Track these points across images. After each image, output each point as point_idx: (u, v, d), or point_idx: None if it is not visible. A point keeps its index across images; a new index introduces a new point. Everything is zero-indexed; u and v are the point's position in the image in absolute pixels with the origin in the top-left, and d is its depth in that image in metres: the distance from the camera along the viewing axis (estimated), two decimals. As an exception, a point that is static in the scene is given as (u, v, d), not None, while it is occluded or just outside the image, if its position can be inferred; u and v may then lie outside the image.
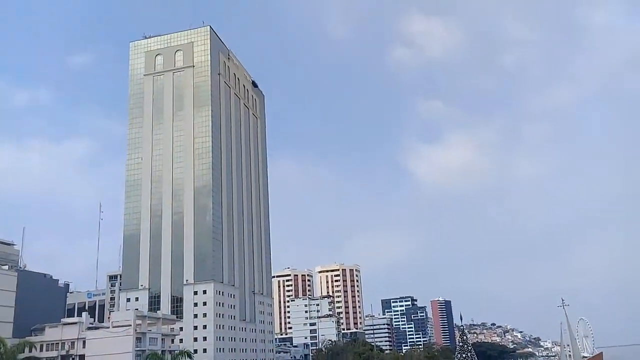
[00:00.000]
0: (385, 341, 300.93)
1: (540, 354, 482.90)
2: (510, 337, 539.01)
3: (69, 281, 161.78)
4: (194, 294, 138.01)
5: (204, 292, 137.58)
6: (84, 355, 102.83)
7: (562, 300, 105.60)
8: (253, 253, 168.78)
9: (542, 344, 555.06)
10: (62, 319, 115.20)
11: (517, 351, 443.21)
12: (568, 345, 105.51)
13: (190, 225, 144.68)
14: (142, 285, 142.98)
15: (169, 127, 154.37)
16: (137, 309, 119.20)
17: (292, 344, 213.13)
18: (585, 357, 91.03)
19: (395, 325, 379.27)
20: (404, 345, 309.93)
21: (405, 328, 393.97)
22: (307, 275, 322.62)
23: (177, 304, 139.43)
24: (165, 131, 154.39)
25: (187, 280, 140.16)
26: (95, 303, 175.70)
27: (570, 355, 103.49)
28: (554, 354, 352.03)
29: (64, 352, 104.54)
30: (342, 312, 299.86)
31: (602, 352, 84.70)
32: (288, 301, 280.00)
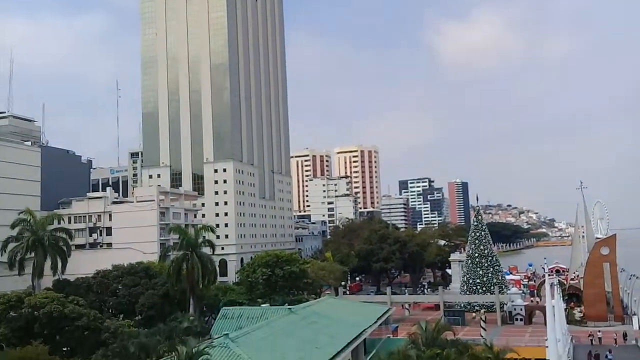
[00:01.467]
0: (401, 220, 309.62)
1: (554, 235, 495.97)
2: (525, 218, 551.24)
3: (91, 157, 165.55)
4: (214, 172, 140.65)
5: (224, 170, 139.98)
6: (110, 227, 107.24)
7: (581, 182, 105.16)
8: (272, 133, 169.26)
9: (556, 225, 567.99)
10: (87, 194, 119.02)
11: (531, 231, 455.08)
12: (582, 226, 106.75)
13: (208, 104, 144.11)
14: (163, 163, 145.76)
15: (182, 1, 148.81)
16: (159, 185, 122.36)
17: (310, 221, 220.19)
18: (599, 238, 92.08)
19: (412, 205, 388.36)
20: (419, 224, 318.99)
21: (421, 208, 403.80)
22: (326, 156, 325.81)
23: (198, 181, 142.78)
24: (178, 5, 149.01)
25: (207, 159, 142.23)
26: (119, 179, 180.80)
27: (583, 236, 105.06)
28: (567, 235, 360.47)
29: (91, 225, 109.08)
30: (359, 192, 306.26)
31: (615, 234, 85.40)
32: (306, 181, 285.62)
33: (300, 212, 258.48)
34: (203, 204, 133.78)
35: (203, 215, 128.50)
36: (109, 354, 39.05)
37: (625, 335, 60.85)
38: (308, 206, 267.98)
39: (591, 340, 58.27)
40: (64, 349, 49.99)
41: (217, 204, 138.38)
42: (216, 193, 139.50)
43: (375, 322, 52.76)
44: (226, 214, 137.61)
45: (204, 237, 70.24)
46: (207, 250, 70.83)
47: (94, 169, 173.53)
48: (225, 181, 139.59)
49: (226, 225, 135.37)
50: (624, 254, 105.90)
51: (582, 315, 77.40)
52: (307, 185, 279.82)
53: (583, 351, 54.71)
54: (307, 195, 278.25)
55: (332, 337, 41.22)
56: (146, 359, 37.56)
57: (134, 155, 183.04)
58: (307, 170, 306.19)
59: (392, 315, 69.13)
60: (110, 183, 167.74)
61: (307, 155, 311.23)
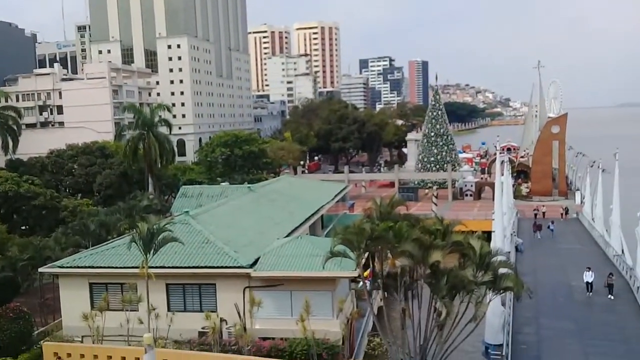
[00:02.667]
0: (361, 100, 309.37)
1: (508, 114, 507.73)
2: (481, 98, 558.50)
3: (35, 31, 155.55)
4: (168, 48, 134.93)
5: (178, 46, 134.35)
6: (61, 106, 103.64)
7: (539, 62, 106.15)
8: (228, 7, 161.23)
9: (511, 104, 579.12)
10: (34, 70, 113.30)
11: (487, 111, 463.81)
12: (536, 105, 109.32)
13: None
14: (113, 37, 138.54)
15: None
16: (110, 62, 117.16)
17: (269, 100, 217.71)
18: (551, 116, 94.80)
19: (371, 85, 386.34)
20: (378, 104, 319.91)
21: (380, 88, 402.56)
22: (285, 32, 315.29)
23: (151, 58, 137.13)
24: None
25: (159, 34, 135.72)
26: (66, 55, 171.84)
27: (536, 115, 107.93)
28: (521, 114, 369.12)
29: (40, 103, 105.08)
30: (319, 72, 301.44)
31: (566, 113, 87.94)
32: (265, 59, 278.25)
33: (258, 91, 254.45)
34: (157, 82, 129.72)
35: (158, 94, 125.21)
36: (69, 232, 39.48)
37: (567, 210, 64.75)
38: (267, 85, 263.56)
39: (535, 214, 61.99)
40: (22, 227, 50.19)
41: (172, 82, 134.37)
42: (171, 70, 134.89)
43: (333, 199, 54.44)
44: (182, 93, 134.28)
45: (160, 116, 68.91)
46: (163, 129, 69.84)
47: (39, 43, 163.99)
48: (180, 58, 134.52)
49: (182, 104, 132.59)
50: (573, 133, 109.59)
51: (528, 190, 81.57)
52: (265, 64, 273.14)
53: (527, 224, 58.41)
54: (265, 74, 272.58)
55: (291, 213, 42.51)
56: (107, 236, 38.24)
57: (81, 29, 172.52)
58: (265, 48, 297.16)
59: (349, 192, 71.34)
60: (58, 59, 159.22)
61: (266, 32, 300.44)
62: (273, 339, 27.49)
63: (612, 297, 34.05)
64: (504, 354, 25.87)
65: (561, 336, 29.40)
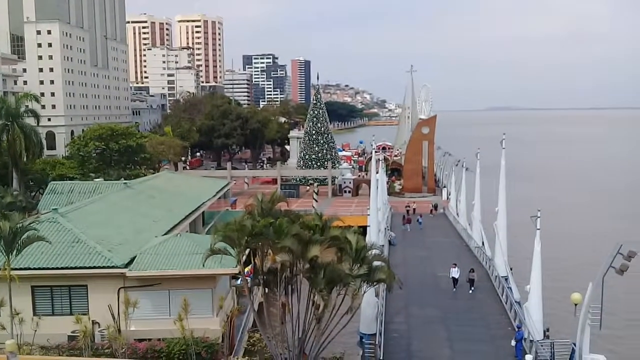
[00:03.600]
0: (244, 96, 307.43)
1: (384, 115, 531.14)
2: (360, 98, 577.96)
3: None
4: (37, 34, 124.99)
5: (49, 32, 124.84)
6: None
7: (411, 66, 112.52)
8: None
9: (387, 105, 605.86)
10: None
11: (365, 111, 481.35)
12: (409, 107, 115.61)
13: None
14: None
15: None
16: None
17: (148, 93, 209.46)
18: (422, 118, 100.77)
19: (255, 81, 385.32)
20: (262, 101, 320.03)
21: (264, 85, 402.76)
22: (166, 24, 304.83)
23: (17, 43, 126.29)
24: None
25: (27, 18, 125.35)
26: None
27: (409, 116, 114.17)
28: (395, 115, 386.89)
29: None
30: (201, 65, 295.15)
31: (436, 115, 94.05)
32: (144, 50, 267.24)
33: (137, 83, 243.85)
34: (25, 70, 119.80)
35: (25, 83, 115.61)
36: None
37: (436, 206, 69.25)
38: (146, 78, 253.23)
39: (407, 210, 65.67)
40: None
41: (41, 70, 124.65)
42: (40, 58, 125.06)
43: (214, 195, 53.87)
44: (52, 82, 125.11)
45: (27, 106, 64.02)
46: (30, 120, 64.93)
47: None
48: (50, 45, 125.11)
49: (53, 94, 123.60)
50: (446, 133, 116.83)
51: (401, 187, 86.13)
52: (145, 55, 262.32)
53: (400, 219, 61.75)
54: (145, 66, 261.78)
55: (170, 210, 41.54)
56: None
57: None
58: (145, 39, 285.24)
59: (232, 189, 70.88)
60: None
61: (146, 22, 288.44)
62: (150, 340, 26.83)
63: (473, 290, 36.54)
64: (377, 343, 27.29)
65: (429, 323, 31.60)
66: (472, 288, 36.57)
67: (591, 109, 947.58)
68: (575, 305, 24.37)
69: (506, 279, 36.44)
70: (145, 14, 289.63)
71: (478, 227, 47.71)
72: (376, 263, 25.52)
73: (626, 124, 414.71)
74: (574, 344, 24.24)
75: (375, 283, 26.21)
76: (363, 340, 29.38)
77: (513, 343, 26.92)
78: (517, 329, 27.92)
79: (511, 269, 38.02)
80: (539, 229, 29.02)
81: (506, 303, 33.47)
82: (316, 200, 71.01)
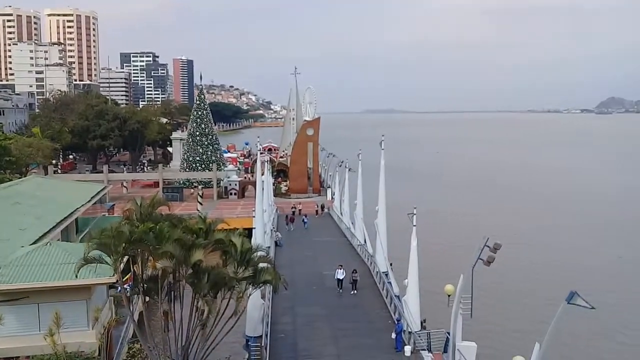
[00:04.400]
0: (122, 96, 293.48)
1: (270, 116, 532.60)
2: (245, 100, 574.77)
3: None
4: None
5: None
6: None
7: (295, 68, 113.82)
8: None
9: (272, 107, 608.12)
10: None
11: (250, 112, 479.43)
12: (293, 109, 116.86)
13: None
14: None
15: None
16: None
17: (14, 91, 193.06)
18: (307, 120, 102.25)
19: (134, 80, 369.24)
20: (142, 101, 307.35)
21: (144, 84, 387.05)
22: (34, 17, 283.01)
23: None
24: None
25: None
26: None
27: (294, 118, 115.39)
28: (281, 117, 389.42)
29: None
30: (74, 63, 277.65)
31: (319, 117, 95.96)
32: (9, 45, 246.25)
33: (2, 81, 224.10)
34: None
35: None
36: None
37: (322, 207, 70.42)
38: (12, 74, 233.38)
39: (293, 211, 66.27)
40: None
41: None
42: None
43: (89, 201, 50.91)
44: None
45: None
46: None
47: None
48: None
49: None
50: (327, 135, 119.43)
51: (287, 188, 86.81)
52: (10, 50, 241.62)
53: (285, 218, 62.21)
54: (10, 62, 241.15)
55: (39, 217, 38.60)
56: None
57: None
58: (10, 33, 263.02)
59: (109, 193, 67.40)
60: None
61: (11, 15, 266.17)
62: (17, 358, 24.73)
63: (356, 292, 36.74)
64: (263, 344, 27.22)
65: (314, 321, 32.09)
66: (355, 289, 36.86)
67: (479, 112, 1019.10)
68: (449, 296, 25.88)
69: (386, 275, 37.95)
70: (10, 6, 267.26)
71: (360, 225, 49.24)
72: (262, 265, 25.46)
73: (504, 125, 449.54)
74: (448, 333, 25.79)
75: (261, 285, 26.12)
76: (249, 343, 29.18)
77: (393, 335, 28.08)
78: (396, 322, 29.18)
79: (391, 265, 39.68)
80: (415, 226, 30.50)
81: (387, 297, 34.86)
82: (201, 204, 69.53)
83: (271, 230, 51.35)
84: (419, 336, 27.93)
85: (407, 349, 26.82)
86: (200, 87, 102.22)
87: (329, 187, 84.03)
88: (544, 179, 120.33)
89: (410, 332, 28.42)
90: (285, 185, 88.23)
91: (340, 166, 69.12)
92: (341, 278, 37.25)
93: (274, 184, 78.62)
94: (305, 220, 61.10)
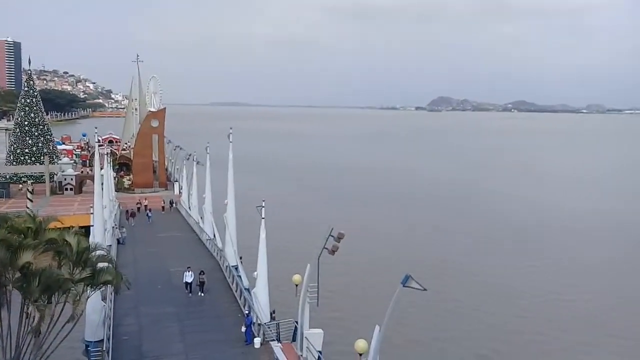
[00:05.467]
0: None
1: (110, 106, 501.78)
2: (82, 87, 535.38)
3: None
4: None
5: None
6: None
7: (137, 56, 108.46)
8: None
9: (113, 96, 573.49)
10: None
11: (88, 101, 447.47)
12: (136, 99, 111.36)
13: None
14: None
15: None
16: None
17: None
18: (151, 110, 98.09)
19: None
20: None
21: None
22: None
23: None
24: None
25: None
26: None
27: (137, 108, 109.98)
28: (123, 107, 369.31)
29: None
30: None
31: (165, 108, 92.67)
32: None
33: None
34: None
35: None
36: None
37: (172, 202, 67.74)
38: None
39: (138, 207, 63.23)
40: None
41: None
42: None
43: None
44: None
45: None
46: None
47: None
48: None
49: None
50: (174, 127, 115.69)
51: (130, 183, 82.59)
52: None
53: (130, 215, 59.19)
54: None
55: None
56: None
57: None
58: None
59: None
60: None
61: None
62: None
63: (203, 294, 34.89)
64: (104, 349, 25.66)
65: (161, 321, 30.93)
66: (202, 292, 35.09)
67: (331, 107, 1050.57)
68: (296, 285, 26.53)
69: (236, 268, 37.83)
70: None
71: (209, 219, 48.48)
72: (101, 264, 23.98)
73: (340, 120, 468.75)
74: (297, 322, 26.42)
75: (100, 286, 24.60)
76: (89, 348, 27.35)
77: (243, 329, 28.09)
78: (246, 315, 29.22)
79: (241, 258, 39.61)
80: (263, 218, 30.73)
81: (236, 291, 34.75)
82: (31, 200, 63.42)
83: (113, 227, 48.56)
84: (269, 327, 28.26)
85: (257, 341, 27.00)
86: (29, 72, 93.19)
87: (176, 181, 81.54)
88: (377, 169, 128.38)
89: (260, 324, 28.62)
90: (129, 180, 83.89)
91: (187, 159, 67.40)
92: (189, 281, 35.21)
93: (116, 178, 74.29)
94: (150, 214, 58.72)
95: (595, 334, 39.76)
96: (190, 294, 35.04)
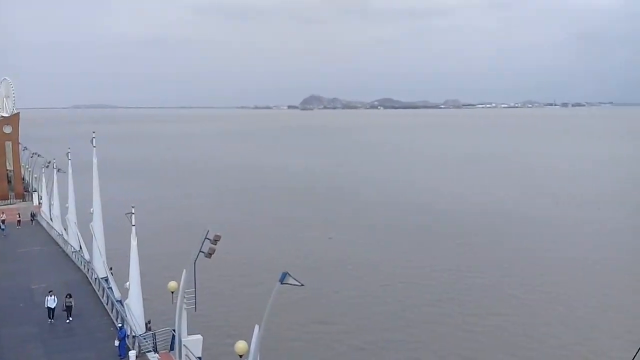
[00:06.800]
0: None
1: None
2: None
3: None
4: None
5: None
6: None
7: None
8: None
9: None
10: None
11: None
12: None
13: None
14: None
15: None
16: None
17: None
18: (3, 116, 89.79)
19: None
20: None
21: None
22: None
23: None
24: None
25: None
26: None
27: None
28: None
29: None
30: None
31: (19, 113, 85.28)
32: None
33: None
34: None
35: None
36: None
37: (33, 215, 61.60)
38: None
39: (-5, 220, 57.52)
40: None
41: None
42: None
43: None
44: None
45: None
46: None
47: None
48: None
49: None
50: (29, 133, 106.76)
51: (-18, 195, 74.92)
52: None
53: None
54: None
55: None
56: None
57: None
58: None
59: None
60: None
61: None
62: None
63: (71, 320, 31.26)
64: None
65: (24, 342, 28.48)
66: (70, 317, 31.35)
67: (206, 108, 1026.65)
68: (172, 292, 25.73)
69: (106, 280, 35.84)
70: None
71: (74, 230, 45.45)
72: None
73: (214, 119, 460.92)
74: (174, 330, 25.65)
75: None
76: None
77: (117, 343, 26.70)
78: (119, 328, 27.77)
79: (111, 269, 37.58)
80: (134, 225, 29.45)
81: (107, 304, 32.93)
82: None
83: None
84: (144, 338, 27.15)
85: (132, 354, 25.81)
86: None
87: (34, 191, 75.34)
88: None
89: (135, 336, 27.39)
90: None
91: (47, 167, 62.56)
92: (52, 307, 31.33)
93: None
94: (3, 227, 53.77)
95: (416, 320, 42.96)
96: (52, 321, 31.00)
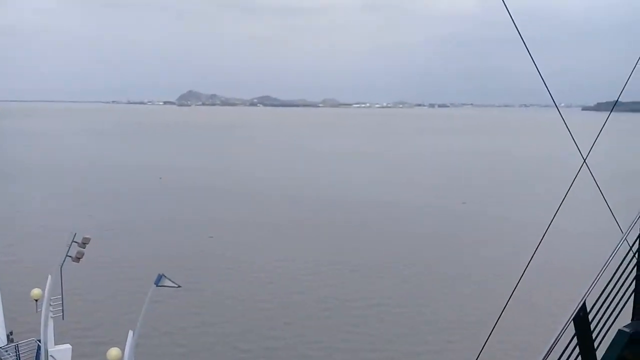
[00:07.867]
0: None
1: None
2: None
3: None
4: None
5: None
6: None
7: None
8: None
9: None
10: None
11: None
12: None
13: None
14: None
15: None
16: None
17: None
18: None
19: None
20: None
21: None
22: None
23: None
24: None
25: None
26: None
27: None
28: None
29: None
30: None
31: None
32: None
33: None
34: None
35: None
36: None
37: None
38: None
39: None
40: None
41: None
42: None
43: None
44: None
45: None
46: None
47: None
48: None
49: None
50: None
51: None
52: None
53: None
54: None
55: None
56: None
57: None
58: None
59: None
60: None
61: None
62: None
63: None
64: None
65: None
66: None
67: (73, 102, 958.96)
68: (36, 300, 24.03)
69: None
70: None
71: None
72: None
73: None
74: (39, 341, 23.95)
75: None
76: None
77: (-27, 359, 24.42)
78: (-25, 342, 25.41)
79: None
80: None
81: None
82: None
83: None
84: (6, 351, 25.07)
85: (-8, 369, 23.75)
86: None
87: None
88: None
89: (-6, 350, 25.19)
90: None
91: None
92: None
93: None
94: None
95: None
96: None
